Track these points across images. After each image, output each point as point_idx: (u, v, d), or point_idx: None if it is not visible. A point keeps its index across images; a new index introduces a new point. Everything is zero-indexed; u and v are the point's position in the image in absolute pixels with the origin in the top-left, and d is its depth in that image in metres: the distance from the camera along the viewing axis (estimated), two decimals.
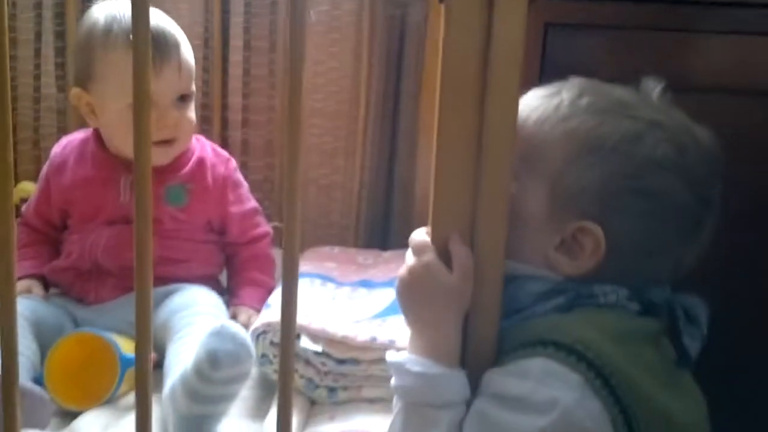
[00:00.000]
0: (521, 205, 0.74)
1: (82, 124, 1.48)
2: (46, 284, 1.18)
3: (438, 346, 0.72)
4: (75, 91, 1.15)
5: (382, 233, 1.57)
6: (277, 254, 1.29)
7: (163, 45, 1.11)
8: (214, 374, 0.84)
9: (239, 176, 1.26)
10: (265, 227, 1.28)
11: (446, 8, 0.67)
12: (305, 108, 0.76)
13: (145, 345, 0.80)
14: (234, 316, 1.14)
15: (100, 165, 1.18)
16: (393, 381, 0.74)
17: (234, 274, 1.25)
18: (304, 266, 1.15)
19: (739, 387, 1.10)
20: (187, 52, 1.16)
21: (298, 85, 0.71)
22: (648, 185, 0.73)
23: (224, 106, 1.52)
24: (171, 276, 1.11)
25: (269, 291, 1.20)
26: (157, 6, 1.20)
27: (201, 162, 1.21)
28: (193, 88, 1.19)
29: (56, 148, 1.24)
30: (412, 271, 0.74)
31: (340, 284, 1.23)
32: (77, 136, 1.24)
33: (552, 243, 0.75)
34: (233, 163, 1.26)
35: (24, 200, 1.33)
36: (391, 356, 0.75)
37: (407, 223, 1.49)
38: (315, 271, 1.24)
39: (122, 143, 1.15)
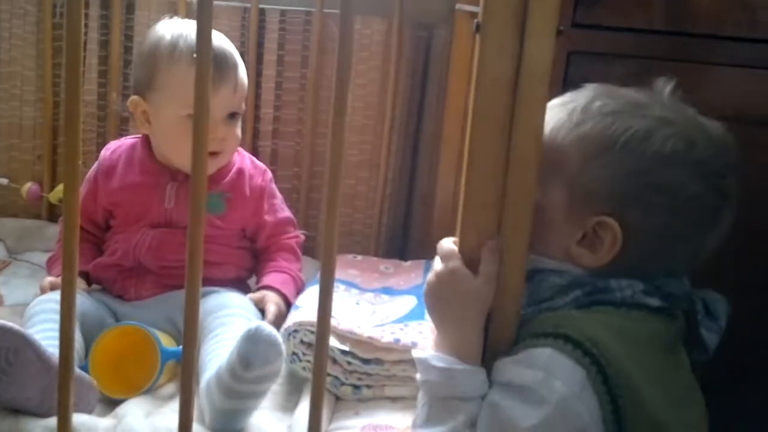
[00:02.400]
0: (544, 206, 0.79)
1: (122, 131, 1.56)
2: (88, 281, 1.24)
3: (461, 345, 0.77)
4: (134, 98, 1.22)
5: (402, 244, 1.62)
6: (303, 262, 1.35)
7: (223, 64, 1.18)
8: (247, 374, 0.88)
9: (274, 187, 1.33)
10: (296, 233, 1.34)
11: (482, 37, 0.73)
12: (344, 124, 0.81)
13: (192, 338, 0.85)
14: (259, 302, 1.20)
15: (147, 171, 1.24)
16: (419, 376, 0.79)
17: (261, 266, 1.30)
18: None
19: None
20: (243, 73, 1.23)
21: (343, 105, 0.77)
22: (659, 180, 0.77)
23: (256, 117, 1.58)
24: (207, 277, 1.17)
25: (294, 279, 1.26)
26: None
27: (240, 173, 1.27)
28: (244, 106, 1.25)
29: (105, 152, 1.30)
30: (440, 276, 0.79)
31: (363, 290, 1.28)
32: (126, 141, 1.31)
33: (574, 238, 0.79)
34: (269, 174, 1.33)
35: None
36: (417, 353, 0.80)
37: (426, 235, 1.54)
38: (339, 277, 1.30)
39: (172, 151, 1.22)
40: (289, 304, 1.21)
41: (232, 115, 1.22)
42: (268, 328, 0.90)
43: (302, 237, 1.35)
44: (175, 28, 1.21)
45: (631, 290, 0.78)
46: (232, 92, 1.20)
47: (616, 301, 0.78)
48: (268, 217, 1.29)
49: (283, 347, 0.93)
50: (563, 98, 0.83)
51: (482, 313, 0.78)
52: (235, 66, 1.21)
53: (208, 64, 0.75)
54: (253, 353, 0.87)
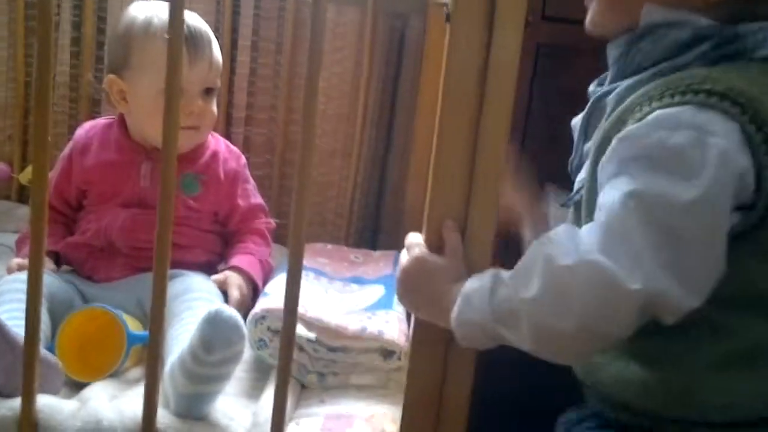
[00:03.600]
0: None
1: (94, 112, 1.55)
2: (58, 262, 1.23)
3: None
4: (110, 77, 1.23)
5: (372, 234, 1.62)
6: (273, 249, 1.36)
7: (198, 40, 1.20)
8: (209, 358, 0.88)
9: (248, 173, 1.34)
10: (267, 219, 1.35)
11: (451, 27, 0.74)
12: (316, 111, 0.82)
13: (159, 323, 0.84)
14: (222, 283, 1.20)
15: (123, 149, 1.25)
16: (464, 337, 0.73)
17: (230, 249, 1.30)
18: None
19: None
20: (218, 51, 1.25)
21: (314, 93, 0.78)
22: None
23: (229, 103, 1.58)
24: (177, 260, 1.16)
25: (260, 261, 1.27)
26: None
27: (215, 155, 1.28)
28: (219, 83, 1.27)
29: (80, 131, 1.30)
30: (407, 266, 0.79)
31: (332, 279, 1.28)
32: (100, 121, 1.31)
33: None
34: (243, 159, 1.34)
35: None
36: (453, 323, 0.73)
37: (396, 225, 1.55)
38: (309, 266, 1.30)
39: (149, 128, 1.22)
40: (254, 285, 1.22)
41: (208, 91, 1.24)
42: (229, 310, 0.90)
43: (273, 224, 1.36)
44: (149, 9, 1.22)
45: (763, 34, 0.68)
46: (207, 67, 1.22)
47: (748, 53, 0.68)
48: (240, 202, 1.30)
49: (245, 329, 0.92)
50: None
51: (458, 282, 0.74)
52: (210, 42, 1.23)
53: (180, 44, 0.75)
54: (214, 336, 0.87)
